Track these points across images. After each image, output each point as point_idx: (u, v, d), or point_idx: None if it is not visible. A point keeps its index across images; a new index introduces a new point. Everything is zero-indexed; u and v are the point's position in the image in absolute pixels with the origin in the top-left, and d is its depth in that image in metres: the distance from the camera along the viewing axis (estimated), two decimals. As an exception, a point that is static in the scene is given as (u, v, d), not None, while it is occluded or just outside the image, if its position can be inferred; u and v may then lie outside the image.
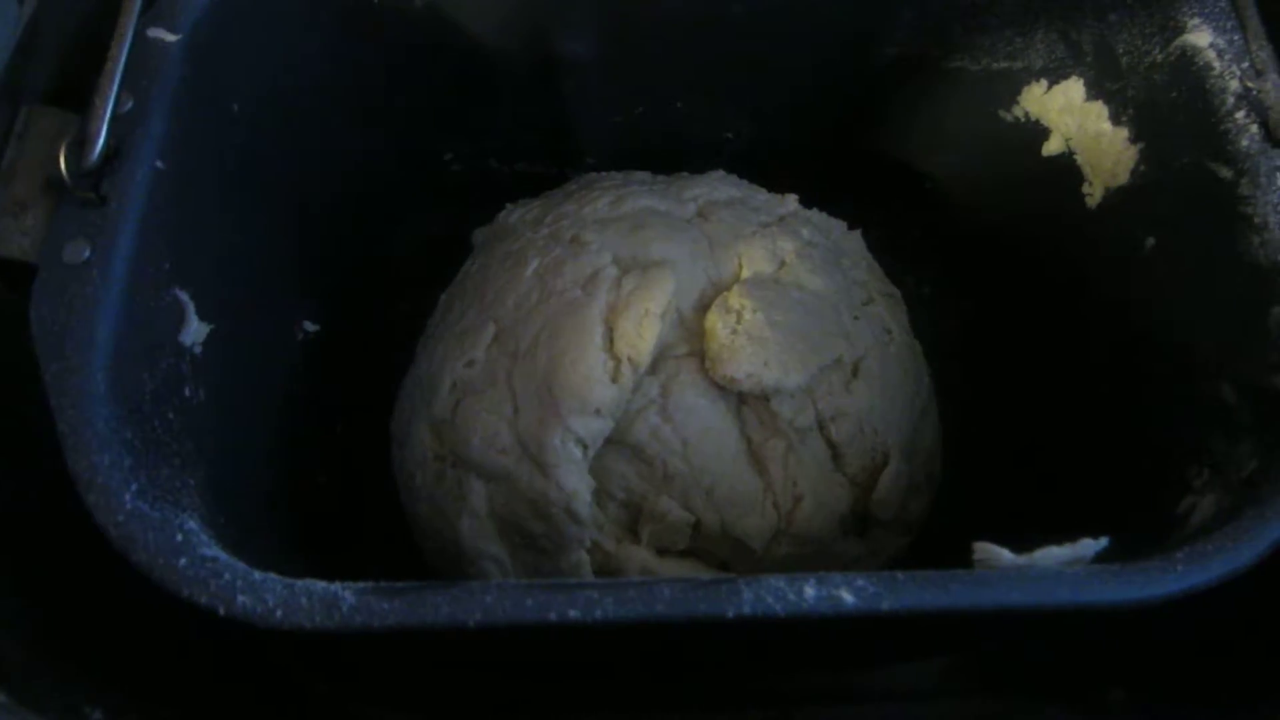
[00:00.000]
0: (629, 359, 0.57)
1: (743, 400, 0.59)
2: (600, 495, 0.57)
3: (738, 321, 0.58)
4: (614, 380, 0.56)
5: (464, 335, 0.62)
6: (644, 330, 0.57)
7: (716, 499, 0.57)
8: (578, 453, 0.55)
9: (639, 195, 0.67)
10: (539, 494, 0.55)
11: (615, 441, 0.57)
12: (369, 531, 0.65)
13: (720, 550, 0.59)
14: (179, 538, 0.40)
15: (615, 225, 0.64)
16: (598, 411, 0.55)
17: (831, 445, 0.60)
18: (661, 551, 0.58)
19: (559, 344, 0.57)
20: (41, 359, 0.42)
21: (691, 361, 0.59)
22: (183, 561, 0.39)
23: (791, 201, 0.71)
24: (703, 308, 0.61)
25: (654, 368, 0.58)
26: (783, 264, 0.64)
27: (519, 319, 0.60)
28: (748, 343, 0.57)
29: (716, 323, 0.58)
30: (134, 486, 0.41)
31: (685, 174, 0.73)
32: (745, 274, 0.63)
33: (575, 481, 0.55)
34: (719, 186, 0.70)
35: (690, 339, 0.59)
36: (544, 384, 0.56)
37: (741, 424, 0.59)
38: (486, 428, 0.57)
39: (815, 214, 0.72)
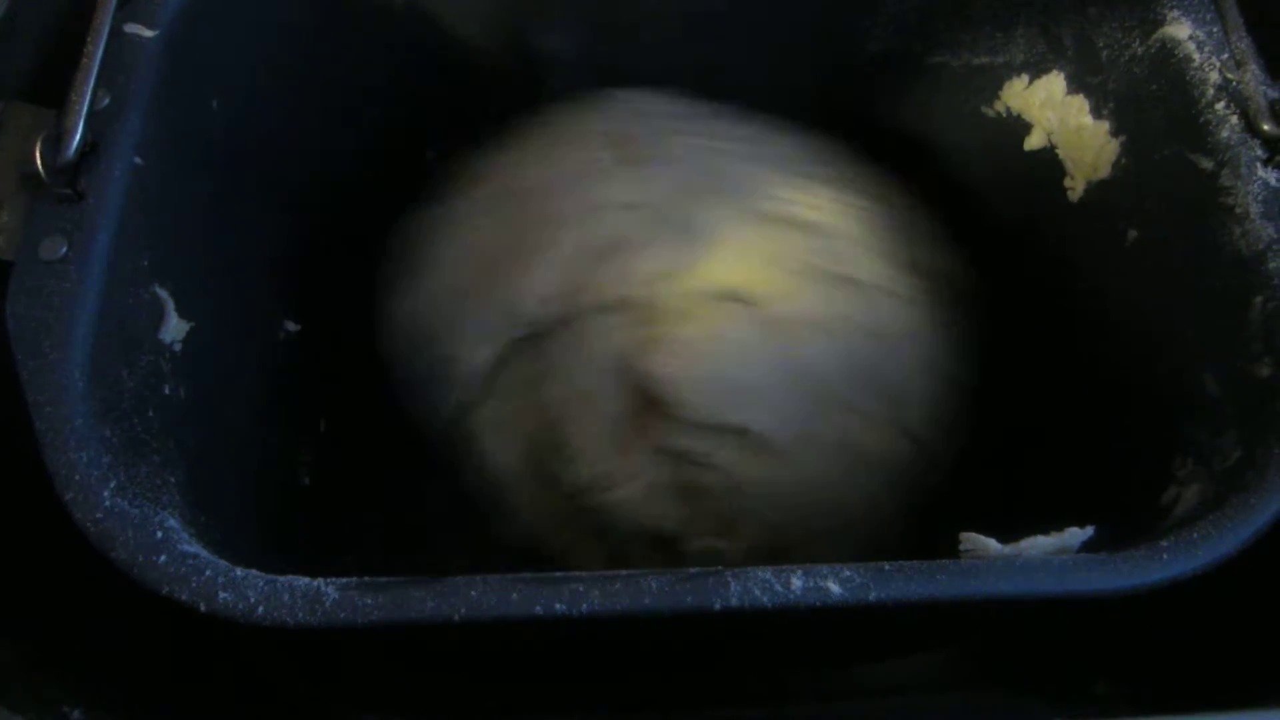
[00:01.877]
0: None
1: None
2: None
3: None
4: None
5: (438, 265, 0.62)
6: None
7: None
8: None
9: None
10: None
11: None
12: (354, 530, 0.64)
13: None
14: (159, 534, 0.39)
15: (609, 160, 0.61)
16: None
17: None
18: None
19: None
20: (18, 356, 0.42)
21: None
22: (162, 558, 0.38)
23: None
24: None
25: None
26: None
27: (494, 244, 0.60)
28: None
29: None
30: (113, 484, 0.40)
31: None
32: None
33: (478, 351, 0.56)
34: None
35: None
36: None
37: None
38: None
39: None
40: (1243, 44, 0.49)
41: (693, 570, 0.37)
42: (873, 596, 0.35)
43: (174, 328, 0.50)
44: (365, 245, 0.75)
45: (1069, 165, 0.61)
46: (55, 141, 0.45)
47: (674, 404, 0.53)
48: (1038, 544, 0.39)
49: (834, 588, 0.35)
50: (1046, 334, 0.63)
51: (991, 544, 0.39)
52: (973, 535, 0.39)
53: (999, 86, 0.66)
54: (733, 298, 0.56)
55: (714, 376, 0.54)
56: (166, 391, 0.49)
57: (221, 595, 0.37)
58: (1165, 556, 0.37)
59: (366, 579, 0.37)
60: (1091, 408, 0.58)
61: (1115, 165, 0.57)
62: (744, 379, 0.54)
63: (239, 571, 0.38)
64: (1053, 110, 0.62)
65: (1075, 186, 0.61)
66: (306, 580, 0.37)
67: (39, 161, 0.44)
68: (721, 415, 0.53)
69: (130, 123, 0.47)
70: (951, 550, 0.40)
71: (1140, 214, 0.55)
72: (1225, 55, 0.50)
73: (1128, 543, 0.40)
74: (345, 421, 0.67)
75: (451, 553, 0.63)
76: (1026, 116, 0.64)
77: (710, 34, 0.65)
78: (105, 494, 0.39)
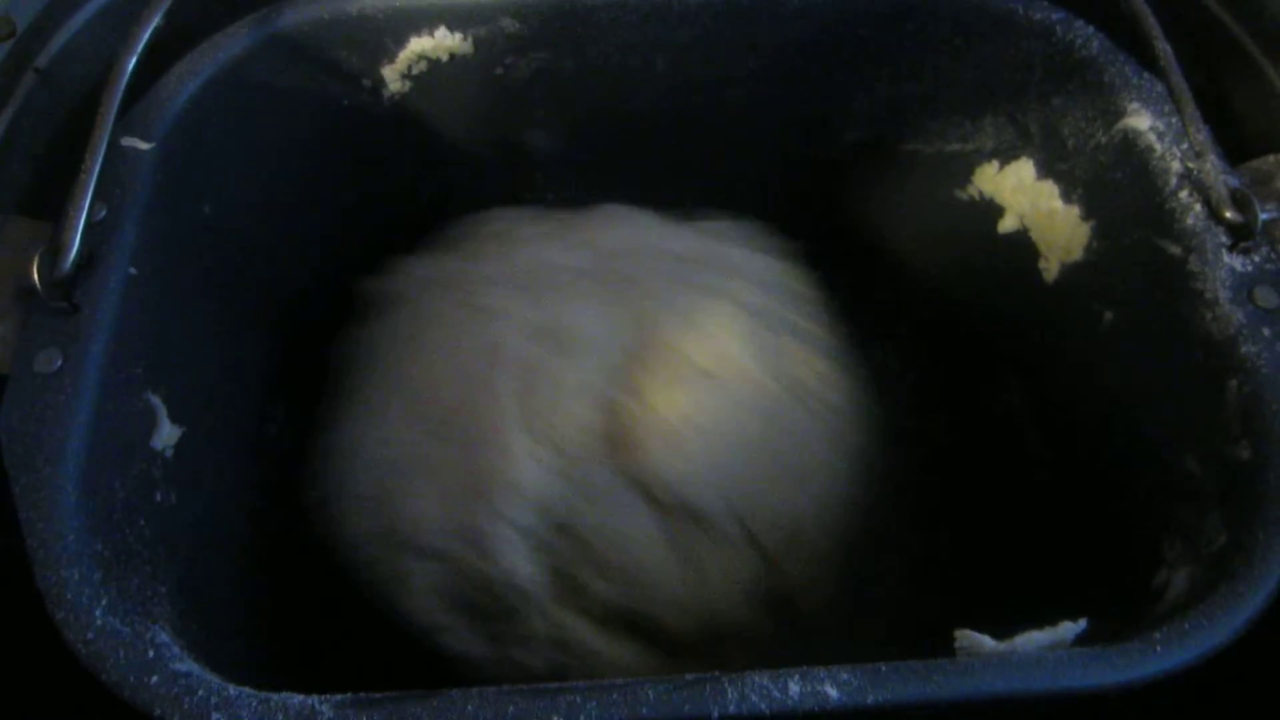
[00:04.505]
0: (549, 439, 0.56)
1: None
2: (539, 559, 0.56)
3: (652, 412, 0.57)
4: (537, 461, 0.56)
5: (375, 411, 0.60)
6: (559, 410, 0.56)
7: (632, 578, 0.56)
8: (513, 535, 0.55)
9: (531, 243, 0.65)
10: (480, 573, 0.55)
11: (545, 511, 0.57)
12: (345, 629, 0.64)
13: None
14: (150, 653, 0.39)
15: (511, 285, 0.62)
16: (524, 494, 0.55)
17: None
18: (605, 621, 0.57)
19: (477, 427, 0.57)
20: (11, 472, 0.42)
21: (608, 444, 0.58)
22: (154, 679, 0.38)
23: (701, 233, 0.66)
24: (622, 384, 0.58)
25: (576, 443, 0.57)
26: (710, 345, 0.60)
27: (430, 397, 0.59)
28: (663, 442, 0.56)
29: (630, 413, 0.57)
30: (104, 601, 0.40)
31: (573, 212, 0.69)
32: (666, 354, 0.59)
33: (516, 560, 0.55)
34: (613, 225, 0.66)
35: (607, 418, 0.58)
36: (467, 467, 0.56)
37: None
38: (416, 511, 0.57)
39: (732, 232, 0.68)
40: (1201, 135, 0.50)
41: (689, 676, 0.37)
42: (870, 700, 0.35)
43: (166, 434, 0.50)
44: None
45: (1042, 247, 0.63)
46: (52, 255, 0.45)
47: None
48: (1032, 639, 0.39)
49: (831, 692, 0.35)
50: (1029, 413, 0.64)
51: (986, 641, 0.39)
52: (967, 632, 0.39)
53: (970, 172, 0.67)
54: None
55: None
56: (158, 498, 0.49)
57: (215, 716, 0.36)
58: (1159, 649, 0.37)
59: (361, 695, 0.37)
60: (1077, 489, 0.58)
61: (1088, 249, 0.59)
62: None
63: (232, 690, 0.38)
64: (1024, 195, 0.64)
65: (1050, 268, 0.62)
66: (300, 698, 0.37)
67: (36, 275, 0.45)
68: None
69: (126, 234, 0.48)
70: (945, 645, 0.40)
71: (1114, 296, 0.56)
72: (1185, 145, 0.52)
73: (1121, 632, 0.40)
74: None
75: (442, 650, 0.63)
76: (999, 200, 0.66)
77: (692, 128, 0.67)
78: (97, 613, 0.39)
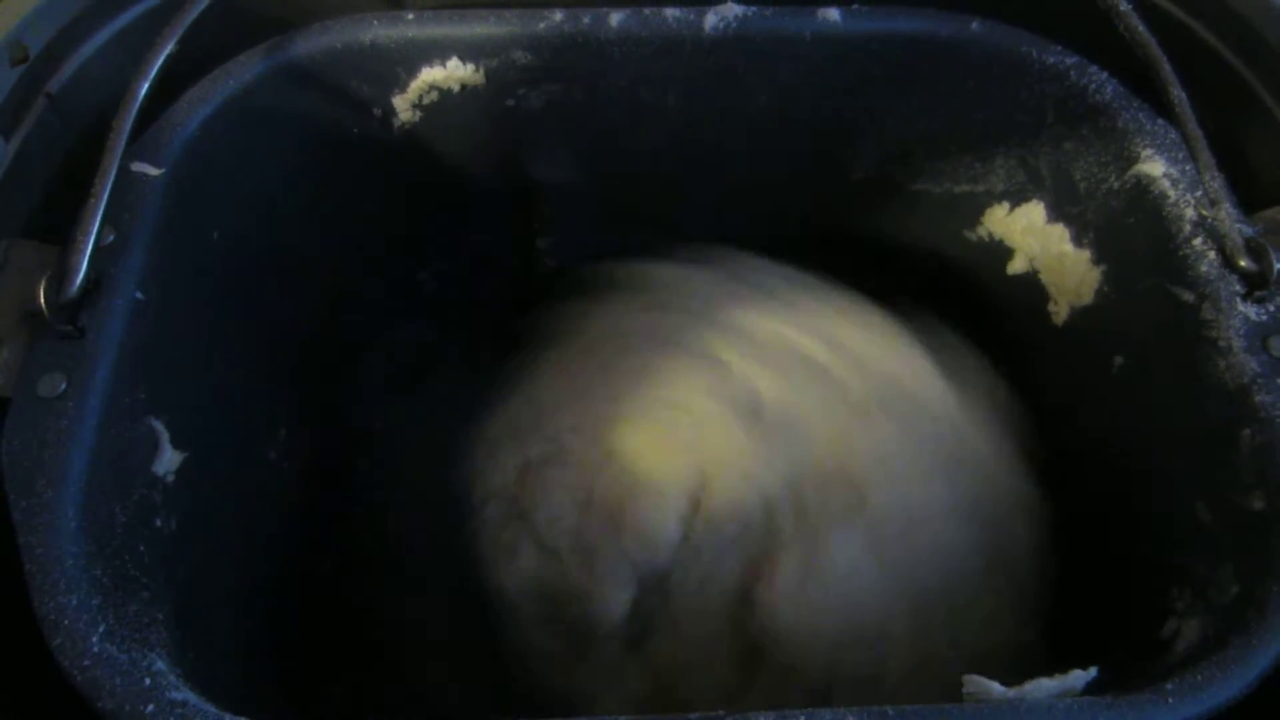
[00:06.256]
0: (705, 520, 0.54)
1: None
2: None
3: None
4: (685, 535, 0.54)
5: (544, 417, 0.61)
6: (737, 498, 0.54)
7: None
8: (628, 572, 0.55)
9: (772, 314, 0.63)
10: (577, 590, 0.55)
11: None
12: (343, 658, 0.63)
13: None
14: (147, 681, 0.38)
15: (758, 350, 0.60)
16: (656, 551, 0.54)
17: None
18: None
19: (640, 469, 0.56)
20: (11, 496, 0.42)
21: None
22: (150, 707, 0.37)
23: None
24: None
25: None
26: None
27: (607, 420, 0.58)
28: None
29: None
30: (101, 628, 0.39)
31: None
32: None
33: (615, 597, 0.55)
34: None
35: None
36: (619, 499, 0.55)
37: None
38: (556, 504, 0.57)
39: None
40: (1215, 183, 0.50)
41: (694, 716, 0.36)
42: (877, 747, 0.34)
43: (168, 459, 0.50)
44: (359, 366, 0.75)
45: (1052, 290, 0.62)
46: (59, 279, 0.45)
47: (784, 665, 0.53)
48: (1041, 686, 0.39)
49: (838, 737, 0.34)
50: (1037, 456, 0.63)
51: (995, 687, 0.38)
52: (975, 678, 0.39)
53: (980, 213, 0.67)
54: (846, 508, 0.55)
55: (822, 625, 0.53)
56: (158, 524, 0.49)
57: (209, 747, 0.36)
58: (1171, 700, 0.37)
59: (360, 731, 0.36)
60: (1086, 535, 0.58)
61: (1098, 293, 0.58)
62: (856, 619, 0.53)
63: (227, 719, 0.37)
64: (1034, 237, 0.64)
65: (1059, 311, 0.62)
66: (298, 732, 0.36)
67: (42, 299, 0.45)
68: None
69: (134, 259, 0.48)
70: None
71: (1126, 341, 0.56)
72: (1199, 192, 0.51)
73: (1130, 681, 0.39)
74: (335, 546, 0.66)
75: (443, 681, 0.62)
76: (1008, 242, 0.66)
77: (702, 162, 0.67)
78: (94, 640, 0.39)
